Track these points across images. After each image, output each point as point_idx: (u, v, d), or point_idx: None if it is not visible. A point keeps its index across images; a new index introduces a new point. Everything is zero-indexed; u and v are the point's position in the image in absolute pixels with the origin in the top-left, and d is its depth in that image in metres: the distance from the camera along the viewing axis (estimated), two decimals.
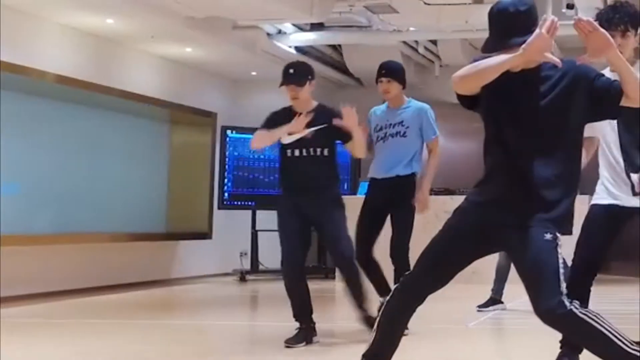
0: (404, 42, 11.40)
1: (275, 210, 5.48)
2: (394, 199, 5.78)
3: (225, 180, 11.06)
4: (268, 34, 10.61)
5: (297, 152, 5.33)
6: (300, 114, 5.32)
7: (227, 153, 11.06)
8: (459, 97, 3.35)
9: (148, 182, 10.08)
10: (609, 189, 4.04)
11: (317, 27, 10.72)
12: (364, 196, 5.99)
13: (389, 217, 5.86)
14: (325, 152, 5.34)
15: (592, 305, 3.60)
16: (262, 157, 11.21)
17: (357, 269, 5.34)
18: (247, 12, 9.24)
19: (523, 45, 3.13)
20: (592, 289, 4.14)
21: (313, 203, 5.29)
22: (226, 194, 11.06)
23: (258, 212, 11.18)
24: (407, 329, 5.05)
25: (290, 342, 5.26)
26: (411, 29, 10.62)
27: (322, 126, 5.28)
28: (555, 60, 3.17)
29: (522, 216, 3.23)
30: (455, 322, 6.26)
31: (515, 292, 6.31)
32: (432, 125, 5.93)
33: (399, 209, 5.81)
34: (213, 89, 11.84)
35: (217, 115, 11.33)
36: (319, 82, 11.79)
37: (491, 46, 3.29)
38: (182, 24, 9.12)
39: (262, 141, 5.46)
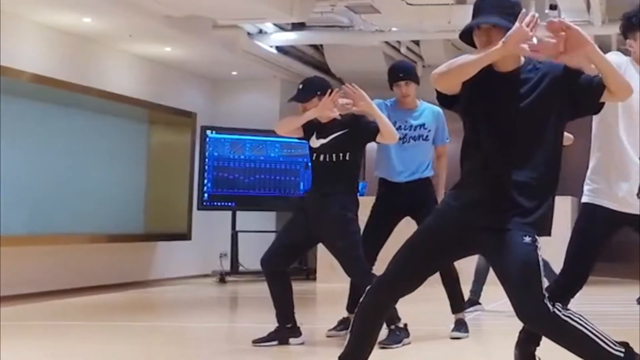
0: (386, 43, 11.37)
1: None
2: (415, 202, 5.64)
3: (205, 180, 10.98)
4: (249, 34, 10.56)
5: (321, 157, 5.32)
6: (325, 122, 5.32)
7: (206, 153, 10.99)
8: (439, 94, 3.30)
9: (126, 183, 9.99)
10: (614, 191, 3.91)
11: (298, 26, 10.69)
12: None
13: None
14: (347, 156, 5.27)
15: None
16: (242, 157, 11.16)
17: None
18: (227, 11, 9.18)
19: (503, 39, 3.10)
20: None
21: (321, 210, 5.21)
22: (206, 195, 10.99)
23: (238, 213, 11.13)
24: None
25: (257, 341, 5.32)
26: (393, 29, 10.60)
27: (343, 131, 5.27)
28: (536, 54, 3.13)
29: (499, 219, 3.19)
30: (436, 323, 6.23)
31: (495, 293, 6.30)
32: (445, 130, 5.88)
33: (425, 210, 5.68)
34: (193, 88, 11.76)
35: (196, 116, 11.26)
36: (299, 82, 11.81)
37: (471, 22, 3.25)
38: (161, 23, 9.04)
39: (287, 125, 5.45)
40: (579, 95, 3.23)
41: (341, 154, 5.26)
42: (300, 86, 5.42)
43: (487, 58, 3.14)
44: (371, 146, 5.58)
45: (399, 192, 5.69)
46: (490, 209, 3.21)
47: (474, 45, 3.29)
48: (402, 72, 5.78)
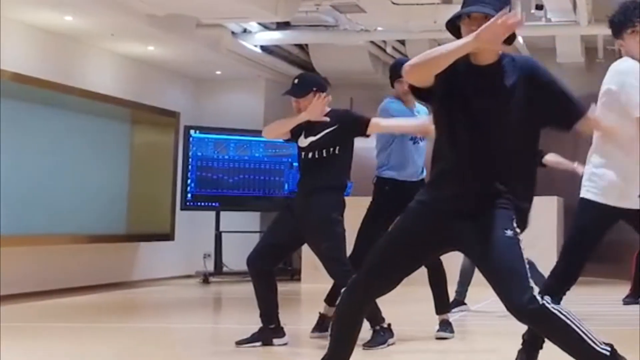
0: (372, 42, 11.33)
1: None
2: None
3: (189, 180, 10.92)
4: (233, 33, 10.50)
5: (310, 155, 5.27)
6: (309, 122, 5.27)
7: (190, 153, 10.93)
8: (412, 88, 3.23)
9: (109, 183, 9.90)
10: (623, 189, 3.91)
11: (283, 26, 10.63)
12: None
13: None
14: (337, 150, 5.23)
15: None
16: (226, 157, 11.09)
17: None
18: (211, 10, 9.12)
19: (476, 31, 3.02)
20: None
21: (307, 210, 5.18)
22: (189, 195, 10.93)
23: (222, 213, 11.06)
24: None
25: (241, 342, 5.28)
26: (379, 28, 10.57)
27: (334, 127, 5.23)
28: (506, 50, 3.07)
29: (479, 215, 3.15)
30: (421, 324, 6.20)
31: (480, 294, 6.25)
32: None
33: None
34: (176, 88, 11.68)
35: (180, 115, 11.18)
36: (284, 81, 11.77)
37: (463, 9, 3.18)
38: (143, 21, 8.96)
39: (275, 129, 5.41)
40: (554, 112, 3.22)
41: (331, 149, 5.23)
42: (296, 81, 5.37)
43: (459, 50, 3.06)
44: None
45: (408, 191, 5.62)
46: (469, 204, 3.17)
47: (458, 37, 3.22)
48: None
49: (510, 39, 3.13)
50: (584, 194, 4.01)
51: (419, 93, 3.24)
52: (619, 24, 4.04)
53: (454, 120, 3.19)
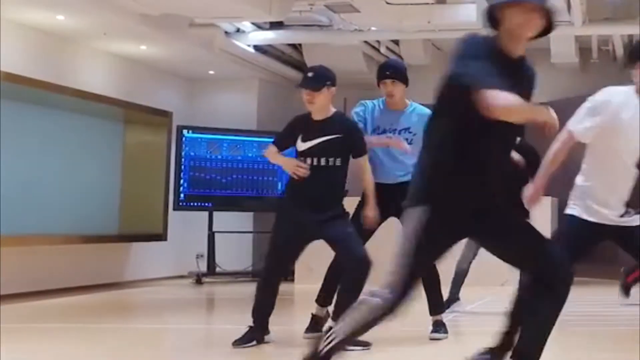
0: (366, 42, 11.32)
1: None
2: (398, 205, 5.58)
3: (181, 180, 10.89)
4: (226, 32, 10.48)
5: (308, 161, 5.26)
6: (317, 121, 5.31)
7: (183, 153, 10.90)
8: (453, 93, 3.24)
9: (101, 183, 9.88)
10: (596, 208, 4.01)
11: (276, 25, 10.62)
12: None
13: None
14: (338, 162, 5.26)
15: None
16: (219, 157, 11.07)
17: (368, 270, 5.12)
18: (204, 9, 9.08)
19: (550, 111, 3.12)
20: None
21: (318, 216, 5.21)
22: (182, 195, 10.90)
23: (215, 213, 11.04)
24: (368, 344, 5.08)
25: (239, 343, 5.26)
26: (373, 28, 10.55)
27: (335, 136, 5.24)
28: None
29: (498, 204, 3.31)
30: (415, 324, 6.17)
31: (473, 295, 6.23)
32: None
33: None
34: (169, 87, 11.65)
35: (172, 115, 11.13)
36: (278, 81, 11.71)
37: None
38: (136, 21, 8.92)
39: (272, 159, 5.51)
40: None
41: (331, 159, 5.24)
42: (310, 74, 5.35)
43: (532, 114, 3.14)
44: None
45: (390, 193, 5.59)
46: (490, 194, 3.31)
47: (493, 22, 3.26)
48: (389, 70, 5.69)
49: (548, 30, 3.29)
50: (568, 210, 4.18)
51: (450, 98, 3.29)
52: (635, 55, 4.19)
53: (484, 121, 3.17)
